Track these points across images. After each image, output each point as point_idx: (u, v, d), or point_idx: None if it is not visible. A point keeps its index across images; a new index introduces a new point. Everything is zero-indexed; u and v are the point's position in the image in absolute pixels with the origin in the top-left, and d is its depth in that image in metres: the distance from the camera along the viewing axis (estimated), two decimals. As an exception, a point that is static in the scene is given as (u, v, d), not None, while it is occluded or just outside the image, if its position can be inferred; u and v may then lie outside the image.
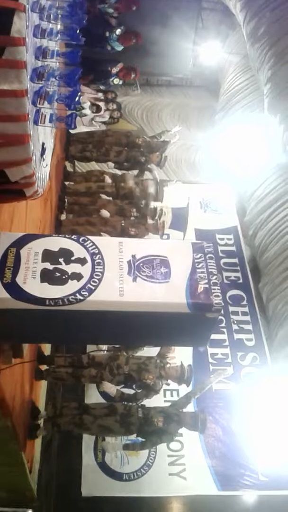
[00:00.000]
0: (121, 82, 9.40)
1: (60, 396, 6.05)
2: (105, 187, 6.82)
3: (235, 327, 7.14)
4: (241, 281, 7.72)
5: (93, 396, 5.87)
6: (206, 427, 5.14)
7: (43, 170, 3.13)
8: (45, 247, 3.16)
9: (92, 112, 8.28)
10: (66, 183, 7.05)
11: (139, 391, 5.14)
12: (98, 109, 8.35)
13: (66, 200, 6.71)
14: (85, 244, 3.24)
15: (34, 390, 5.14)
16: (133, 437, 5.16)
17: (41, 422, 5.09)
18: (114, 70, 9.02)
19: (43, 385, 5.59)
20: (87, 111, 8.07)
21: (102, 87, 8.95)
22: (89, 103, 8.16)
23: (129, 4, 8.81)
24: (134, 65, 9.36)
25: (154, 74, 10.53)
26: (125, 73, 9.29)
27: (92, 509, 5.67)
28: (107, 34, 8.63)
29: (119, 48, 8.90)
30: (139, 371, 5.12)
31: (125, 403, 5.08)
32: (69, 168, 7.47)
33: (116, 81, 9.19)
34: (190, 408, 5.70)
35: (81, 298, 2.94)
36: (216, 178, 9.25)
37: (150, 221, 6.45)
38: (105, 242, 3.34)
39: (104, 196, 6.66)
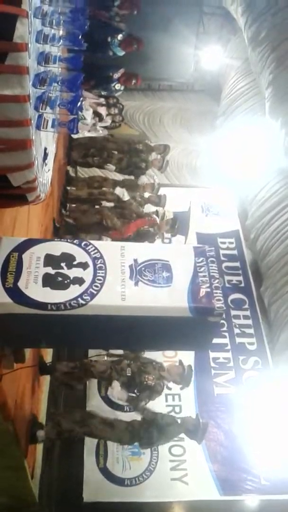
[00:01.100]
0: (122, 88, 9.42)
1: (61, 401, 6.04)
2: (106, 193, 6.85)
3: (237, 331, 7.13)
4: (242, 285, 7.72)
5: (94, 402, 5.88)
6: (205, 437, 5.11)
7: (45, 175, 3.14)
8: (47, 251, 3.15)
9: (94, 121, 8.30)
10: (68, 188, 7.08)
11: (142, 393, 5.14)
12: (100, 118, 8.37)
13: (67, 206, 6.74)
14: (87, 248, 3.23)
15: (36, 395, 5.13)
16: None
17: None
18: (116, 76, 9.04)
19: (45, 390, 5.57)
20: (88, 119, 8.08)
21: (103, 93, 8.97)
22: (91, 111, 8.17)
23: (131, 6, 8.84)
24: (135, 71, 9.38)
25: (156, 79, 10.57)
26: (126, 79, 9.31)
27: (94, 515, 5.65)
28: (109, 39, 8.65)
29: (121, 53, 8.93)
30: (139, 373, 5.14)
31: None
32: (72, 173, 7.50)
33: (118, 86, 9.21)
34: (192, 412, 5.71)
35: (83, 302, 2.93)
36: (218, 182, 9.26)
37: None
38: (107, 247, 3.33)
39: (105, 203, 6.69)
